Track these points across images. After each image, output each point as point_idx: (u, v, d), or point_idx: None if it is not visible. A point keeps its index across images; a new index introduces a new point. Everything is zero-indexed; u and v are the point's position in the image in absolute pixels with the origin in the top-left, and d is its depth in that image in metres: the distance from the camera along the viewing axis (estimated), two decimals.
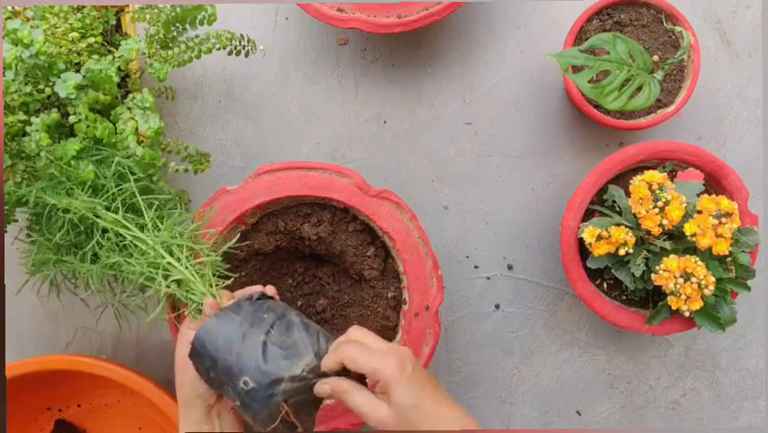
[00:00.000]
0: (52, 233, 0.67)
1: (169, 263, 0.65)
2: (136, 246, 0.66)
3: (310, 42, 0.91)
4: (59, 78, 0.65)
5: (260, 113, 0.90)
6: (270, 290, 0.67)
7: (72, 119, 0.65)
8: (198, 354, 0.59)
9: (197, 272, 0.66)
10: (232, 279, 0.70)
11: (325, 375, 0.56)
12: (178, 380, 0.63)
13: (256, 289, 0.66)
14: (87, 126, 0.66)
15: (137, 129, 0.69)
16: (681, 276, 0.68)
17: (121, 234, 0.66)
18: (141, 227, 0.67)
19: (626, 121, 0.80)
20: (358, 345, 0.54)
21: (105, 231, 0.67)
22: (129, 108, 0.71)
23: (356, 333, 0.57)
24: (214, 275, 0.68)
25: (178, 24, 0.74)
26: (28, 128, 0.66)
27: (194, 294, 0.66)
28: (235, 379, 0.56)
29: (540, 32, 0.89)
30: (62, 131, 0.71)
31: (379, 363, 0.52)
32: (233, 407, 0.63)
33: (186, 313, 0.66)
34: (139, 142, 0.69)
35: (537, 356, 0.88)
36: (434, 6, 0.77)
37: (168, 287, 0.65)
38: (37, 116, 0.66)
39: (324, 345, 0.58)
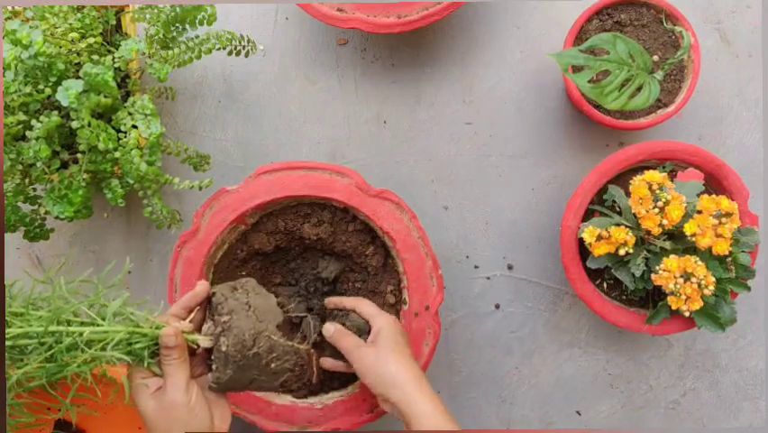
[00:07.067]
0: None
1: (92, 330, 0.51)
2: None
3: (310, 42, 0.91)
4: (59, 84, 0.65)
5: (260, 113, 0.90)
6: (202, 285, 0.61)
7: (75, 125, 0.65)
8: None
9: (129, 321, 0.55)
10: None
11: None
12: (164, 429, 0.55)
13: (200, 291, 0.60)
14: (91, 132, 0.66)
15: (139, 142, 0.69)
16: (681, 276, 0.68)
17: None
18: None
19: (626, 121, 0.80)
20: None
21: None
22: (130, 114, 0.71)
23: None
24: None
25: (177, 24, 0.74)
26: (29, 133, 0.66)
27: (139, 341, 0.54)
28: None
29: (540, 32, 0.89)
30: (62, 131, 0.71)
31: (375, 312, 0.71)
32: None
33: (131, 369, 0.56)
34: (140, 148, 0.69)
35: (537, 356, 0.88)
36: (433, 6, 0.77)
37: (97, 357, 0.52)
38: (37, 117, 0.66)
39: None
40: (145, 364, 0.55)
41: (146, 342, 0.55)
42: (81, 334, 0.51)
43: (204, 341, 0.58)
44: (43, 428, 0.87)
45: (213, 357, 0.57)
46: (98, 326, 0.52)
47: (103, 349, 0.52)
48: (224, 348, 0.56)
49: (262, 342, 0.57)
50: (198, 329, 0.60)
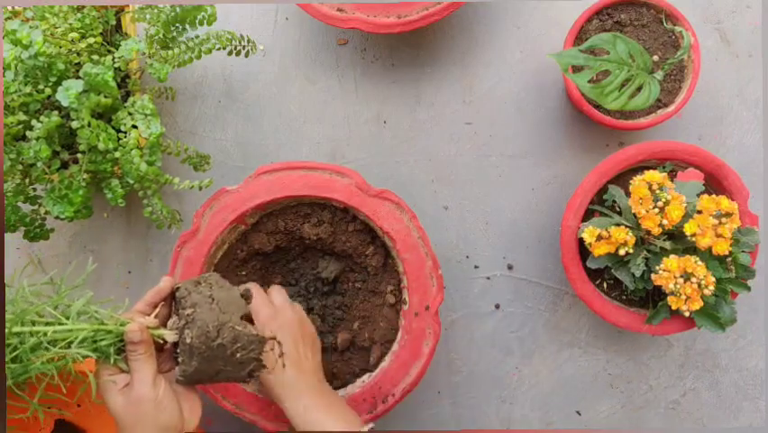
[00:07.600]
0: None
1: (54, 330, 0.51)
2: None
3: (310, 42, 0.91)
4: (59, 84, 0.64)
5: (260, 113, 0.90)
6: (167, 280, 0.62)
7: (75, 125, 0.65)
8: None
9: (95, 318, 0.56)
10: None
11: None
12: (132, 424, 0.55)
13: (164, 287, 0.61)
14: (91, 132, 0.66)
15: (139, 142, 0.69)
16: (681, 276, 0.68)
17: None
18: None
19: (626, 121, 0.80)
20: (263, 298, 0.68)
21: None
22: (130, 114, 0.71)
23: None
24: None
25: (178, 24, 0.74)
26: (29, 133, 0.66)
27: (104, 339, 0.55)
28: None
29: (540, 32, 0.89)
30: (62, 131, 0.71)
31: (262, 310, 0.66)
32: None
33: (99, 366, 0.57)
34: (140, 148, 0.69)
35: (537, 356, 0.88)
36: (433, 6, 0.77)
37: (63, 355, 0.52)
38: (37, 117, 0.66)
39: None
40: (111, 361, 0.55)
41: (111, 339, 0.55)
42: (45, 333, 0.51)
43: (169, 335, 0.58)
44: (43, 427, 0.87)
45: (178, 350, 0.58)
46: (62, 325, 0.52)
47: (68, 347, 0.52)
48: (188, 340, 0.56)
49: (226, 333, 0.57)
50: (164, 325, 0.60)
